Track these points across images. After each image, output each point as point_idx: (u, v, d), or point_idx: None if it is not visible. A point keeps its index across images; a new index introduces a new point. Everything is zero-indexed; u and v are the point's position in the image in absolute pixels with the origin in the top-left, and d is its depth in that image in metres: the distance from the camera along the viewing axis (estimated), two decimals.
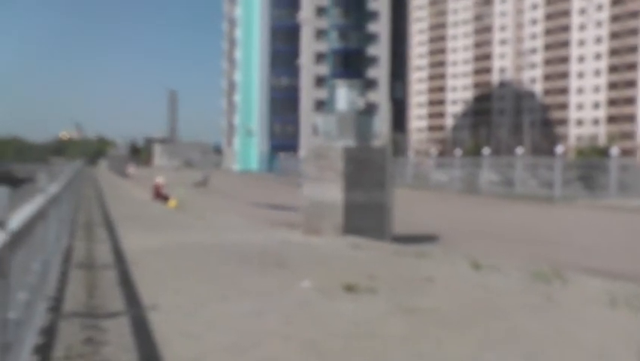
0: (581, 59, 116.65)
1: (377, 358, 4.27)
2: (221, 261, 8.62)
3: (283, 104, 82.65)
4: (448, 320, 5.38)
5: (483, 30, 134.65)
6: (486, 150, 31.91)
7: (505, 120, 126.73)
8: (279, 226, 13.28)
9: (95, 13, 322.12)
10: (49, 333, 4.72)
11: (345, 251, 9.77)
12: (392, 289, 6.68)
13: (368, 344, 4.60)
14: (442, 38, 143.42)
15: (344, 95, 11.81)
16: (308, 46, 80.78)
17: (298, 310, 5.69)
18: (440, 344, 4.64)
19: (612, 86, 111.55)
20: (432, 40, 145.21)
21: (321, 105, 75.23)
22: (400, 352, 4.46)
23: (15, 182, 4.66)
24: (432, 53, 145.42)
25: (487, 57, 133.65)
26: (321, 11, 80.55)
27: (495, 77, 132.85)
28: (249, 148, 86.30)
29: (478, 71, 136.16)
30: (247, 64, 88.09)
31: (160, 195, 22.03)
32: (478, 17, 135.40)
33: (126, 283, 6.89)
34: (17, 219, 2.98)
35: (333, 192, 11.51)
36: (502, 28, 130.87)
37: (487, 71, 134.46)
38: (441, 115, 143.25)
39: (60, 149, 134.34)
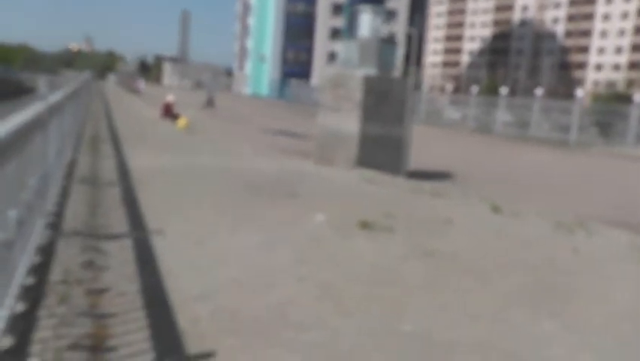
0: (609, 0, 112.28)
1: (400, 309, 3.94)
2: (231, 188, 8.26)
3: (298, 30, 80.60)
4: (471, 268, 5.04)
5: None
6: (504, 90, 30.99)
7: (523, 61, 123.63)
8: (290, 155, 12.88)
9: None
10: (46, 252, 4.41)
11: (359, 185, 9.39)
12: (410, 229, 6.33)
13: (389, 292, 4.26)
14: None
15: (368, 21, 11.12)
16: None
17: (313, 247, 5.36)
18: (464, 296, 4.31)
19: (638, 30, 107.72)
20: None
21: (336, 34, 73.23)
22: (424, 302, 4.13)
23: (24, 91, 4.25)
24: None
25: None
26: None
27: (516, 16, 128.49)
28: (260, 73, 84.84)
29: (499, 8, 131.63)
30: None
31: (169, 114, 21.49)
32: None
33: (131, 203, 6.57)
34: (6, 127, 2.56)
35: (349, 123, 11.03)
36: None
37: (509, 8, 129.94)
38: (457, 51, 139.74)
39: (69, 61, 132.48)
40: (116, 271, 4.20)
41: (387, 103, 10.69)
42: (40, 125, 4.12)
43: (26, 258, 3.67)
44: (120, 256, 4.57)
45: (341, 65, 11.66)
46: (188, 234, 5.47)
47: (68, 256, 4.46)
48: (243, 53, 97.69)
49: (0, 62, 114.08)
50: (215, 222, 6.10)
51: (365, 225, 6.21)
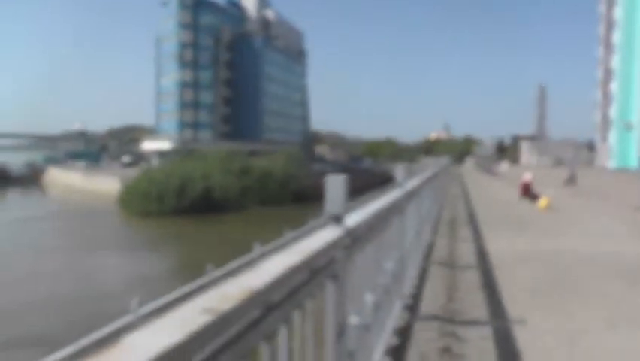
0: None
1: None
2: (600, 276, 7.25)
3: None
4: None
5: None
6: None
7: None
8: None
9: (454, 8, 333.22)
10: (403, 335, 4.40)
11: None
12: None
13: None
14: None
15: None
16: None
17: None
18: None
19: None
20: None
21: None
22: None
23: (388, 180, 4.53)
24: None
25: None
26: None
27: None
28: (627, 143, 76.71)
29: None
30: (628, 47, 78.41)
31: (527, 193, 20.79)
32: None
33: (489, 289, 6.27)
34: (355, 216, 2.62)
35: None
36: None
37: None
38: None
39: (429, 149, 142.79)
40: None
41: None
42: (397, 211, 4.24)
43: (384, 339, 3.69)
44: (479, 345, 4.28)
45: None
46: (555, 328, 4.86)
47: (425, 340, 4.37)
48: (605, 122, 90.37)
49: (369, 156, 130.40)
50: (586, 316, 5.31)
51: None
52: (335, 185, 2.23)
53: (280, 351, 1.64)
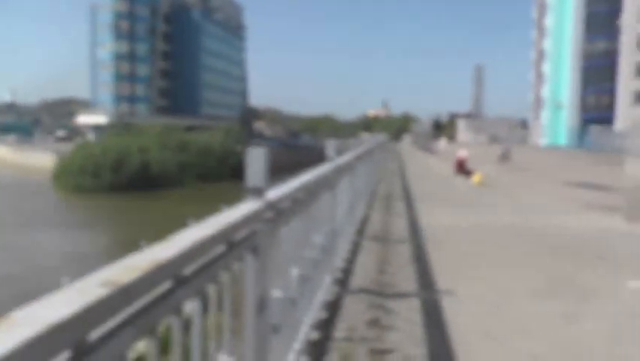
0: None
1: None
2: (529, 248, 7.58)
3: (598, 72, 74.05)
4: None
5: None
6: None
7: None
8: (595, 210, 11.46)
9: None
10: (332, 308, 4.47)
11: None
12: None
13: None
14: None
15: None
16: (632, 1, 70.52)
17: (628, 322, 4.44)
18: None
19: None
20: None
21: None
22: None
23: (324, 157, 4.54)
24: None
25: None
26: None
27: None
28: (557, 122, 79.96)
29: None
30: (558, 30, 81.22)
31: (463, 170, 21.34)
32: None
33: (420, 262, 6.43)
34: (278, 189, 2.62)
35: None
36: None
37: None
38: None
39: (368, 125, 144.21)
40: (402, 332, 4.02)
41: None
42: (327, 185, 4.26)
43: (312, 313, 3.73)
44: (407, 317, 4.39)
45: None
46: (482, 297, 5.05)
47: (354, 312, 4.45)
48: (538, 102, 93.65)
49: (308, 132, 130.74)
50: (512, 286, 5.55)
51: None
52: (256, 158, 2.21)
53: (194, 325, 1.63)
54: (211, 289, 1.75)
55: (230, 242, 1.86)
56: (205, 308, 1.69)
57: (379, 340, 3.88)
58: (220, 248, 1.78)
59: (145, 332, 1.30)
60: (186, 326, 1.57)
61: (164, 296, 1.38)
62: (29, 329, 0.87)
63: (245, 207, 2.06)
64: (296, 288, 3.09)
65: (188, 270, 1.52)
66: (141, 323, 1.26)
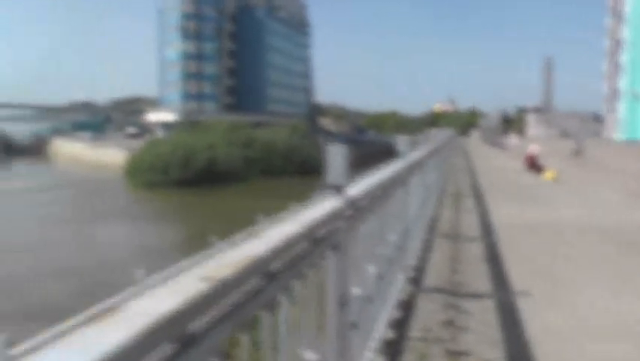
0: None
1: None
2: (602, 246, 7.26)
3: None
4: None
5: None
6: None
7: None
8: None
9: None
10: (407, 307, 4.43)
11: None
12: None
13: None
14: None
15: None
16: None
17: None
18: None
19: None
20: None
21: None
22: None
23: (393, 152, 4.48)
24: None
25: None
26: None
27: None
28: (635, 115, 76.06)
29: None
30: (638, 17, 77.17)
31: (534, 166, 20.64)
32: None
33: (493, 261, 6.28)
34: (357, 186, 2.60)
35: None
36: None
37: None
38: None
39: (433, 121, 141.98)
40: (478, 334, 3.93)
41: None
42: (400, 182, 4.21)
43: (387, 312, 3.70)
44: (482, 318, 4.29)
45: None
46: (558, 298, 4.88)
47: (428, 312, 4.39)
48: (613, 94, 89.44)
49: (372, 128, 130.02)
50: (588, 286, 5.34)
51: None
52: (336, 155, 2.20)
53: (281, 321, 1.64)
54: (297, 286, 1.76)
55: (314, 239, 1.86)
56: (291, 305, 1.70)
57: (454, 341, 3.82)
58: (305, 245, 1.79)
59: (239, 326, 1.32)
60: (274, 321, 1.59)
61: (255, 292, 1.39)
62: (140, 320, 0.90)
63: (326, 205, 2.06)
64: (372, 286, 3.07)
65: (276, 266, 1.53)
66: (236, 317, 1.28)
